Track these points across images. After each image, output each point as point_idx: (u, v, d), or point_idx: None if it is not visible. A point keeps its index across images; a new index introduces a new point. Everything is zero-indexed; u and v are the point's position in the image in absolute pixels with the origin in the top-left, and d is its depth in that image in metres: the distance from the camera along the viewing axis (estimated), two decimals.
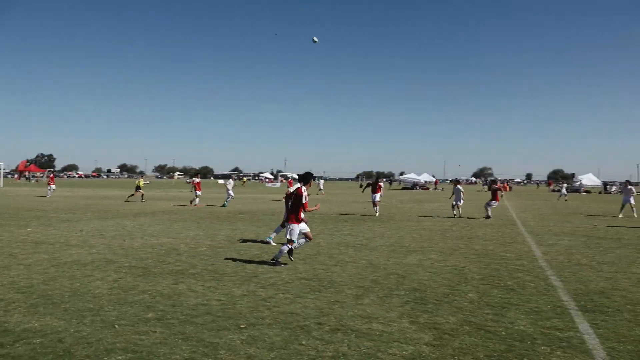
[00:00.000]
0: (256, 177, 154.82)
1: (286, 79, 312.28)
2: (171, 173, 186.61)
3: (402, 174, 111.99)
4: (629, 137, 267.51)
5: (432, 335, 4.81)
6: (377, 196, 20.22)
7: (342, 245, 11.07)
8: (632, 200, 21.92)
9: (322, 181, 47.24)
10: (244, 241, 11.41)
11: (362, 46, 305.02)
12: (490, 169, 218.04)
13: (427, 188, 69.80)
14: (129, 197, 29.00)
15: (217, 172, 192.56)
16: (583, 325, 5.20)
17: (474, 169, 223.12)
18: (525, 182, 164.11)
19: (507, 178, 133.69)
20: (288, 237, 8.48)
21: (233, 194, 25.45)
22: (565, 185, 49.36)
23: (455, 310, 5.71)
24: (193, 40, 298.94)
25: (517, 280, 7.42)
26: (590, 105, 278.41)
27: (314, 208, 9.19)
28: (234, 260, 8.90)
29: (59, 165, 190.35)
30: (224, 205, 24.33)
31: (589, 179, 68.99)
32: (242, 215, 18.81)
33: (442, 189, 67.14)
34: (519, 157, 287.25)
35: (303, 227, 8.63)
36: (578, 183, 66.64)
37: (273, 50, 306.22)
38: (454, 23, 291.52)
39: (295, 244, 8.57)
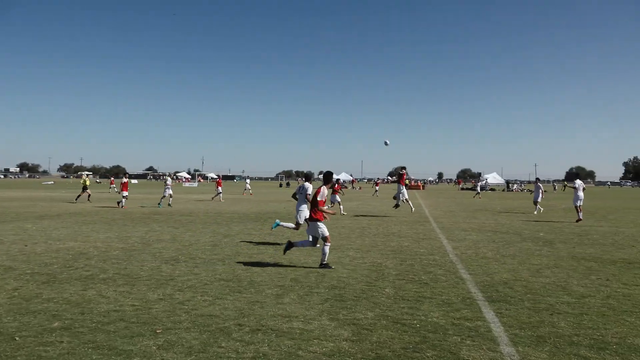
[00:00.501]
0: (173, 177, 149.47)
1: (203, 77, 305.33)
2: (79, 173, 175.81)
3: (320, 173, 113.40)
4: (528, 138, 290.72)
5: (351, 331, 4.92)
6: (337, 197, 21.18)
7: (262, 245, 11.01)
8: (539, 198, 22.75)
9: (248, 181, 46.53)
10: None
11: (282, 44, 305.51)
12: (405, 168, 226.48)
13: (346, 187, 71.29)
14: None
15: (130, 171, 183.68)
16: (489, 314, 5.57)
17: (390, 168, 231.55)
18: (436, 181, 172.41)
19: (420, 177, 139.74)
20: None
21: (172, 192, 25.08)
22: (480, 184, 52.41)
23: (373, 306, 5.88)
24: (104, 36, 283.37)
25: (430, 275, 7.79)
26: (495, 107, 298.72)
27: (329, 211, 8.96)
28: (149, 263, 8.56)
29: None
30: (158, 204, 24.13)
31: (493, 178, 74.07)
32: (158, 217, 18.12)
33: (360, 188, 68.92)
34: (430, 157, 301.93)
35: (322, 227, 8.43)
36: (484, 182, 71.24)
37: (188, 48, 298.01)
38: (343, 15, 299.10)
39: (300, 244, 8.77)
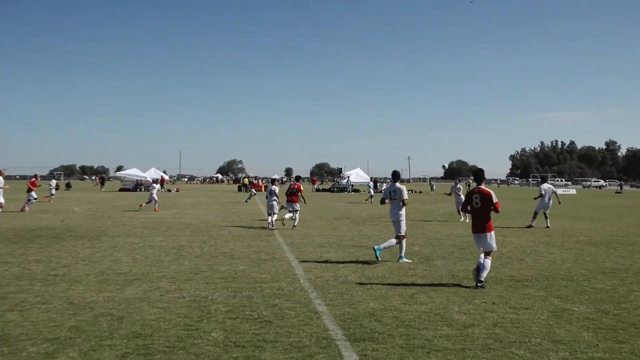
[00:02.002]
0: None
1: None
2: None
3: (120, 169, 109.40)
4: (398, 130, 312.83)
5: None
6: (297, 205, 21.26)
7: (24, 277, 10.24)
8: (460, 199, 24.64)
9: (53, 182, 42.68)
10: None
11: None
12: (240, 162, 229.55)
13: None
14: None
15: None
16: (351, 358, 5.82)
17: (220, 163, 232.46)
18: (284, 179, 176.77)
19: (263, 175, 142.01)
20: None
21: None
22: (371, 184, 54.13)
23: (193, 359, 5.79)
24: None
25: (274, 309, 7.91)
26: (358, 92, 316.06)
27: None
28: None
29: None
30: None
31: (357, 175, 78.06)
32: None
33: (178, 190, 67.85)
34: (275, 148, 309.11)
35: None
36: (345, 180, 74.75)
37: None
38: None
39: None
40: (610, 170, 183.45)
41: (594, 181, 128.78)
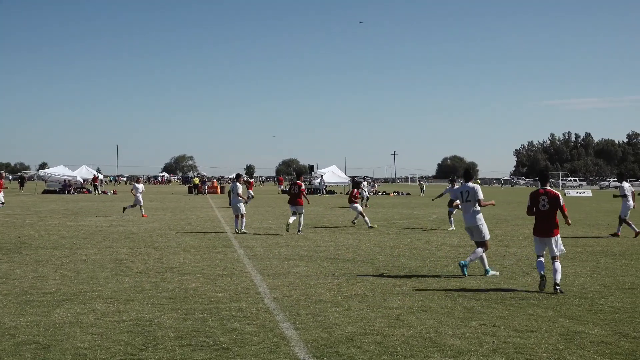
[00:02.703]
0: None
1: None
2: None
3: (43, 167, 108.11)
4: (381, 120, 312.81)
5: None
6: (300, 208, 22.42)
7: None
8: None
9: None
10: None
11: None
12: (191, 158, 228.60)
13: (88, 190, 68.96)
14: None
15: None
16: None
17: (167, 159, 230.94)
18: (262, 178, 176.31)
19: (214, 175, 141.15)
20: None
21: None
22: (365, 183, 53.96)
23: None
24: None
25: (233, 334, 7.93)
26: (336, 80, 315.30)
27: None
28: None
29: None
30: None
31: (333, 174, 78.14)
32: None
33: (115, 192, 67.28)
34: (233, 143, 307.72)
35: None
36: (318, 179, 74.83)
37: None
38: None
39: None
40: (633, 167, 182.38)
41: (613, 181, 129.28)
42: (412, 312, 9.33)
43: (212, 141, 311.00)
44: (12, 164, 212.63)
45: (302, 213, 22.37)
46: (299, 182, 23.76)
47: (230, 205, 23.66)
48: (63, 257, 15.33)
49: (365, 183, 72.25)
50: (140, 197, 31.02)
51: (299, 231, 21.92)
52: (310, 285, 11.54)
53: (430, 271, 13.36)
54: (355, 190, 26.58)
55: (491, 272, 12.66)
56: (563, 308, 9.64)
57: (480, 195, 12.90)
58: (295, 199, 22.87)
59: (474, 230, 12.96)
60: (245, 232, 22.13)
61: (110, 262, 14.44)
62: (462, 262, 12.66)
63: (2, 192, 26.29)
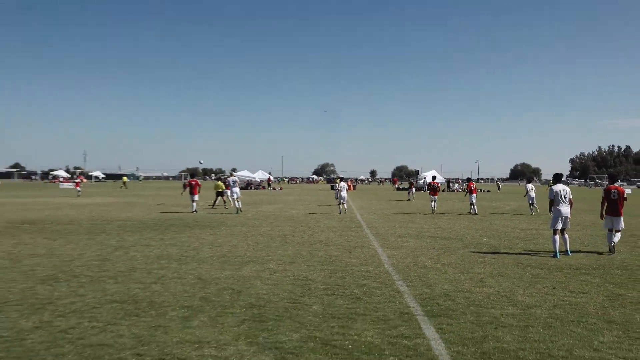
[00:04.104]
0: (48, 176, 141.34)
1: (85, 64, 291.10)
2: None
3: (234, 171, 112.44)
4: (470, 133, 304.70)
5: (273, 356, 4.98)
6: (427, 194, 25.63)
7: (164, 258, 10.79)
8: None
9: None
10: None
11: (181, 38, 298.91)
12: (332, 165, 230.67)
13: (263, 187, 71.21)
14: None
15: None
16: (429, 330, 5.85)
17: (315, 166, 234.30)
18: (369, 180, 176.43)
19: (349, 176, 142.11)
20: None
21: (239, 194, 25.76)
22: (457, 184, 53.77)
23: (298, 326, 5.98)
24: None
25: (363, 288, 8.02)
26: (430, 99, 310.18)
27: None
28: (20, 283, 8.12)
29: None
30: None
31: (432, 176, 76.89)
32: (29, 226, 17.16)
33: (281, 188, 69.10)
34: (362, 152, 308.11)
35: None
36: (422, 180, 73.83)
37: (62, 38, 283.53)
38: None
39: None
40: None
41: None
42: (491, 276, 9.09)
43: (347, 152, 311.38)
44: (213, 169, 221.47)
45: (435, 200, 25.75)
46: (435, 181, 27.01)
47: (336, 198, 24.91)
48: (248, 232, 15.92)
49: (457, 185, 70.77)
50: (235, 192, 25.12)
51: (433, 212, 25.23)
52: (417, 255, 11.44)
53: (505, 247, 12.92)
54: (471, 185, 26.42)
55: (570, 254, 11.86)
56: (608, 277, 9.12)
57: (571, 195, 12.31)
58: (435, 192, 26.04)
59: (568, 218, 12.11)
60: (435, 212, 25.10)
61: (278, 236, 14.86)
62: (569, 252, 11.78)
63: (197, 195, 23.92)
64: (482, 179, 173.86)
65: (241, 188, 28.14)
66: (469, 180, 27.80)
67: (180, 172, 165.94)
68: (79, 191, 41.70)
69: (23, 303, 6.92)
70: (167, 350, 5.12)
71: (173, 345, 5.28)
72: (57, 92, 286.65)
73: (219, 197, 28.08)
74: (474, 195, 25.40)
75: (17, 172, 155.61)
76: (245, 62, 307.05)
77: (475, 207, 25.40)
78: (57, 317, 6.25)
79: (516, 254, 11.91)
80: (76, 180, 43.63)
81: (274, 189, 67.51)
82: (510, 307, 6.92)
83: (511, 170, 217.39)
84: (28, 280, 8.44)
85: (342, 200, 24.16)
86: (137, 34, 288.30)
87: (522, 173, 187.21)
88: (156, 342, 5.37)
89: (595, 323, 6.23)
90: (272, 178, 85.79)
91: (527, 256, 11.48)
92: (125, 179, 74.43)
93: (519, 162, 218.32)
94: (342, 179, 26.49)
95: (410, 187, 46.41)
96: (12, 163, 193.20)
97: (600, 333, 5.84)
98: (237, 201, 24.79)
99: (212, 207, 27.11)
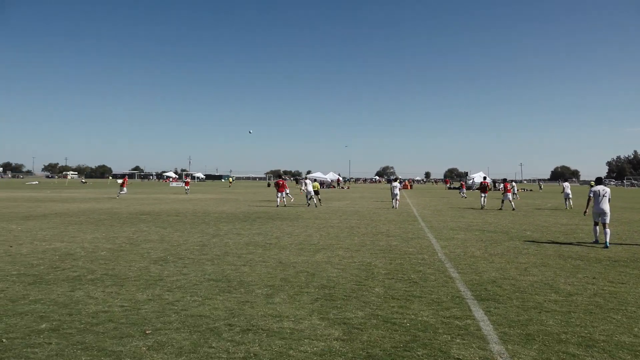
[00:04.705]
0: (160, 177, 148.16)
1: (191, 76, 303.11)
2: (64, 172, 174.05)
3: (309, 172, 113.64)
4: (514, 137, 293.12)
5: (341, 331, 4.94)
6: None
7: (251, 244, 10.99)
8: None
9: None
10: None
11: (272, 45, 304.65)
12: (392, 167, 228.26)
13: (333, 186, 71.43)
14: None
15: (115, 171, 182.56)
16: (478, 313, 5.62)
17: (377, 168, 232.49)
18: (424, 180, 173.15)
19: (407, 177, 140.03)
20: None
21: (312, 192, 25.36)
22: (469, 182, 52.50)
23: (363, 305, 5.91)
24: (90, 33, 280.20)
25: (419, 274, 7.84)
26: (478, 107, 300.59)
27: None
28: (137, 263, 8.50)
29: None
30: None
31: (480, 177, 74.46)
32: (146, 217, 17.98)
33: (348, 187, 69.04)
34: (417, 156, 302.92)
35: None
36: (471, 181, 71.68)
37: (177, 45, 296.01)
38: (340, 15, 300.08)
39: None
40: None
41: None
42: (535, 266, 8.65)
43: (406, 155, 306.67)
44: (292, 170, 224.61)
45: (485, 196, 25.91)
46: (485, 181, 27.01)
47: (392, 198, 24.89)
48: (320, 224, 15.97)
49: (501, 185, 68.06)
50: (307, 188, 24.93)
51: (501, 208, 24.42)
52: (467, 246, 11.07)
53: (547, 240, 12.27)
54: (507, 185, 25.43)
55: (609, 246, 11.15)
56: None
57: (610, 195, 11.83)
58: (486, 189, 26.21)
59: (607, 214, 11.57)
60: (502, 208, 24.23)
61: (346, 228, 14.82)
62: (606, 244, 11.10)
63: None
64: (524, 180, 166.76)
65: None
66: (504, 180, 26.95)
67: (265, 173, 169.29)
68: (187, 189, 43.32)
69: (139, 279, 7.23)
70: (254, 322, 5.19)
71: (258, 318, 5.34)
72: (167, 107, 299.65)
73: (316, 196, 26.45)
74: (509, 194, 24.48)
75: (137, 174, 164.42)
76: (327, 80, 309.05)
77: (513, 203, 25.41)
78: (165, 292, 6.48)
79: (558, 244, 11.29)
80: (186, 180, 45.39)
81: (342, 187, 67.56)
82: (553, 294, 6.55)
83: (552, 172, 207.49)
84: (144, 260, 8.82)
85: (396, 197, 24.58)
86: (221, 55, 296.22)
87: (562, 174, 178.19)
88: (244, 314, 5.45)
89: (635, 311, 5.77)
90: (341, 179, 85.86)
91: (568, 248, 10.86)
92: (230, 179, 77.50)
93: (559, 165, 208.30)
94: (395, 180, 26.94)
95: (461, 187, 45.15)
96: (133, 166, 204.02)
97: (639, 320, 5.41)
98: (313, 199, 25.44)
99: (307, 205, 26.39)
